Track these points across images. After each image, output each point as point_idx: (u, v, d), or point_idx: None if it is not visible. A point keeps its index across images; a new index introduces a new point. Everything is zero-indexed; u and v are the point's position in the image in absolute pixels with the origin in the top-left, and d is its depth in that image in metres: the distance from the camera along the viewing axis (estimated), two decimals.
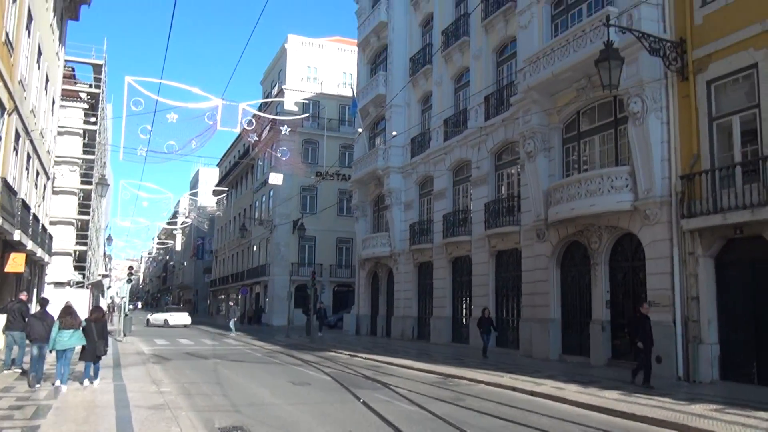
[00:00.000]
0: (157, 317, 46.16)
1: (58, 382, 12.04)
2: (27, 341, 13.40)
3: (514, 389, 13.68)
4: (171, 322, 44.19)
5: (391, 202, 31.06)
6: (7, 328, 14.56)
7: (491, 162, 24.32)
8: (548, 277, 20.04)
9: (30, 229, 21.68)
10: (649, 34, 15.68)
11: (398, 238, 30.71)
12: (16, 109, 19.58)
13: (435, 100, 29.03)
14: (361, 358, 21.33)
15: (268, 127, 42.53)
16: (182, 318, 44.71)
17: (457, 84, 27.90)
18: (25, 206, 20.76)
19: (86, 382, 12.64)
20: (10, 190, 17.70)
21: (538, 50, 20.14)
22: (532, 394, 13.09)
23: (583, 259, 19.07)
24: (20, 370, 14.65)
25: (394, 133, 29.51)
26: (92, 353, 12.56)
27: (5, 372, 14.56)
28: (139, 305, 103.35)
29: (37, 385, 12.28)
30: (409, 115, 31.08)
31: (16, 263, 18.76)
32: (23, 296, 15.49)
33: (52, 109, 30.92)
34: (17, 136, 20.52)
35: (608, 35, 15.36)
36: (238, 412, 10.55)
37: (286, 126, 34.82)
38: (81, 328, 12.44)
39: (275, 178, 27.59)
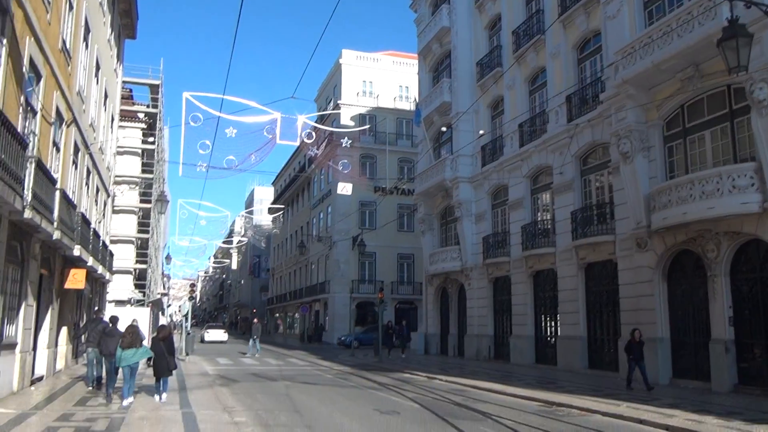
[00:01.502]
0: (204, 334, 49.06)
1: (125, 401, 12.51)
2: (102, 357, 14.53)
3: (641, 422, 11.62)
4: (206, 338, 47.31)
5: (461, 215, 29.21)
6: (88, 344, 15.39)
7: (576, 166, 22.29)
8: (653, 291, 17.85)
9: (90, 245, 20.73)
10: None
11: (470, 252, 28.79)
12: (74, 121, 18.70)
13: (507, 104, 27.18)
14: (441, 380, 19.48)
15: (326, 141, 41.51)
16: (218, 334, 48.31)
17: (531, 86, 26.02)
18: (85, 221, 19.81)
19: (156, 397, 13.20)
20: (69, 203, 16.69)
21: (632, 40, 18.18)
22: (667, 428, 11.02)
23: (696, 270, 16.85)
24: (91, 387, 15.21)
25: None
26: (163, 369, 13.20)
27: (87, 387, 15.28)
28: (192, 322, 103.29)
29: (113, 399, 13.01)
30: (477, 122, 29.29)
31: (76, 279, 17.72)
32: (101, 315, 16.22)
33: (111, 127, 30.37)
34: (76, 149, 19.66)
35: (732, 10, 13.35)
36: None
37: (347, 138, 33.53)
38: (145, 345, 13.30)
39: (343, 188, 26.18)
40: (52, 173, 15.08)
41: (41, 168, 12.95)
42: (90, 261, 20.38)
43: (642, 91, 18.25)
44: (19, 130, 11.73)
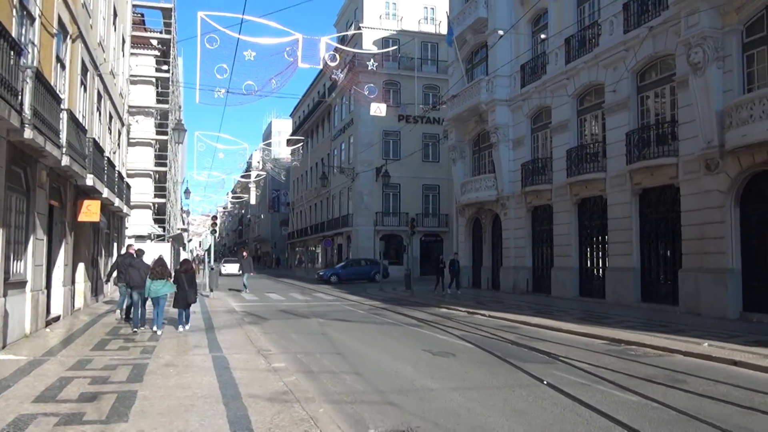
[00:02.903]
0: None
1: (155, 328, 13.28)
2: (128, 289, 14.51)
3: (735, 363, 10.11)
4: (223, 272, 48.65)
5: (497, 140, 27.29)
6: (119, 279, 15.32)
7: (632, 83, 20.17)
8: (723, 217, 16.10)
9: (105, 175, 19.26)
10: None
11: (507, 180, 27.03)
12: (81, 36, 16.87)
13: (552, 17, 24.73)
14: (483, 316, 18.14)
15: (349, 66, 39.31)
16: (233, 268, 49.39)
17: None
18: (98, 148, 18.25)
19: (180, 327, 13.78)
20: (78, 126, 15.07)
21: None
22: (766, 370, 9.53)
23: None
24: (120, 318, 15.52)
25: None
26: (184, 301, 13.76)
27: (115, 319, 15.61)
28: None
29: (142, 328, 13.66)
30: (517, 40, 26.93)
31: (90, 211, 16.31)
32: (131, 250, 15.78)
33: (123, 50, 28.44)
34: (84, 69, 17.90)
35: None
36: (391, 404, 7.48)
37: (372, 60, 31.45)
38: (172, 278, 13.71)
39: (376, 109, 24.26)
40: (57, 92, 13.44)
41: (42, 82, 11.27)
42: (105, 192, 18.94)
43: None
44: (13, 36, 10.04)
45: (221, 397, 7.27)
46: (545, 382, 8.64)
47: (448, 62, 34.68)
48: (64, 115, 13.47)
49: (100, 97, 20.90)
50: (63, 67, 15.24)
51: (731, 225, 15.98)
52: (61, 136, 13.15)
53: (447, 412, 7.07)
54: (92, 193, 17.57)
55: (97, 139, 18.94)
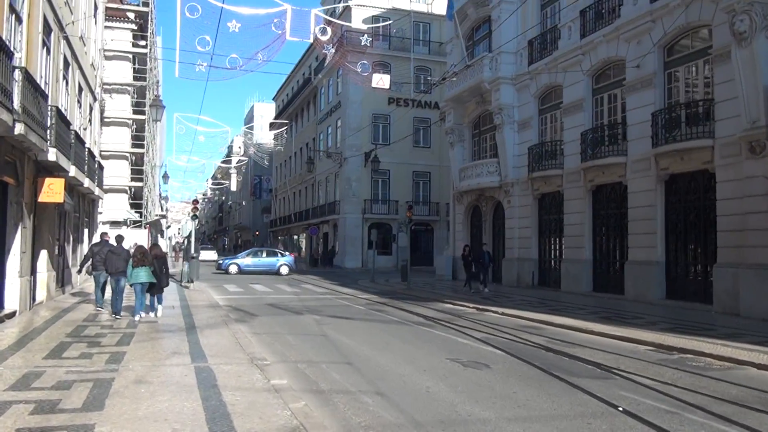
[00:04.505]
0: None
1: (138, 315, 13.20)
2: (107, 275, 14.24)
3: None
4: (200, 258, 45.41)
5: (501, 122, 25.39)
6: (94, 268, 14.82)
7: (659, 58, 18.34)
8: None
9: (72, 151, 17.07)
10: None
11: (511, 165, 25.16)
12: None
13: None
14: (496, 313, 16.35)
15: (339, 43, 37.23)
16: (209, 254, 51.56)
17: None
18: (63, 120, 16.04)
19: (152, 314, 13.76)
20: (37, 91, 12.91)
21: None
22: None
23: None
24: (99, 308, 14.79)
25: None
26: (156, 286, 13.70)
27: (93, 308, 14.98)
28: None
29: (120, 315, 13.39)
30: (523, 14, 25.05)
31: (52, 191, 14.15)
32: (106, 237, 15.35)
33: (95, 17, 26.08)
34: (47, 28, 15.67)
35: None
36: None
37: (366, 36, 29.59)
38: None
39: (379, 80, 22.14)
40: (11, 47, 11.30)
41: None
42: (72, 171, 16.78)
43: None
44: None
45: None
46: (620, 409, 6.82)
47: (447, 40, 32.69)
48: (17, 75, 11.34)
49: (67, 63, 18.64)
50: (19, 20, 13.04)
51: None
52: (13, 98, 11.02)
53: None
54: (56, 171, 15.40)
55: (62, 109, 16.72)
